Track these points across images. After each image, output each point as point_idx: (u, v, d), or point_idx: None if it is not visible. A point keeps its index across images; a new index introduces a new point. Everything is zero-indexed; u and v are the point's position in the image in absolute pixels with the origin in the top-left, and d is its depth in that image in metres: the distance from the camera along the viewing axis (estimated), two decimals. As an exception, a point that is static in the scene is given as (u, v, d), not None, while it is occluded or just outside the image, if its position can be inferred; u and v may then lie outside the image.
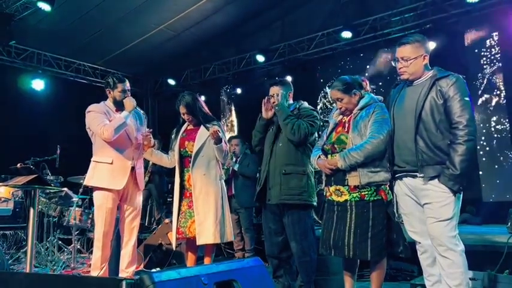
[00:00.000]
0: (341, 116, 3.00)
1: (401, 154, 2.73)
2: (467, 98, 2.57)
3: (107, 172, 3.42)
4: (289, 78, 8.51)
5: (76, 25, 7.73)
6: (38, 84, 8.48)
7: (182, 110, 3.54)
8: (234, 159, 5.47)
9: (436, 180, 2.56)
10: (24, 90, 8.43)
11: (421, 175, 2.60)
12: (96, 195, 3.47)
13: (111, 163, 3.43)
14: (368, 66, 8.43)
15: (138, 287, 1.47)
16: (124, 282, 1.44)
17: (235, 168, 5.39)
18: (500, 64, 7.10)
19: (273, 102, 3.43)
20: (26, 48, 8.34)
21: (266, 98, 3.49)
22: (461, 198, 2.60)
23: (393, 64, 2.80)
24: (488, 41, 7.22)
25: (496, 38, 7.15)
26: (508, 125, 7.07)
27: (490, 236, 4.45)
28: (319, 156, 2.96)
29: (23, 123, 7.95)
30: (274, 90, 3.50)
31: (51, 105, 8.46)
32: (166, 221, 5.19)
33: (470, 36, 7.34)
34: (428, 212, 2.61)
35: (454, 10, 7.02)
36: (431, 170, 2.58)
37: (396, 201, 2.82)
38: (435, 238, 2.58)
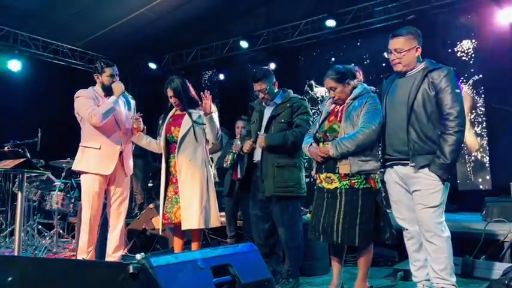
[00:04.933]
0: (334, 105, 3.04)
1: (392, 144, 2.80)
2: (458, 90, 2.66)
3: (95, 157, 3.40)
4: (272, 65, 8.53)
5: (55, 4, 7.49)
6: (15, 65, 8.25)
7: (169, 93, 3.51)
8: (238, 142, 5.31)
9: (426, 168, 2.65)
10: (0, 71, 8.18)
11: (412, 164, 2.68)
12: (83, 178, 3.45)
13: (99, 148, 3.42)
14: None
15: (142, 271, 1.49)
16: (131, 267, 1.46)
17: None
18: (479, 56, 7.28)
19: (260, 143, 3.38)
20: (2, 28, 8.06)
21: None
22: (448, 186, 2.70)
23: (386, 55, 2.85)
24: (469, 33, 7.37)
25: (476, 30, 7.30)
26: (483, 116, 7.28)
27: (467, 223, 4.61)
28: (311, 144, 3.00)
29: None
30: (259, 86, 3.45)
31: (29, 87, 8.24)
32: (151, 206, 5.18)
33: (452, 28, 7.48)
34: (417, 198, 2.70)
35: (437, 2, 7.13)
36: (422, 159, 2.66)
37: (385, 189, 2.90)
38: (423, 224, 2.68)
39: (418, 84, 2.69)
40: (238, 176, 5.05)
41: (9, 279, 1.62)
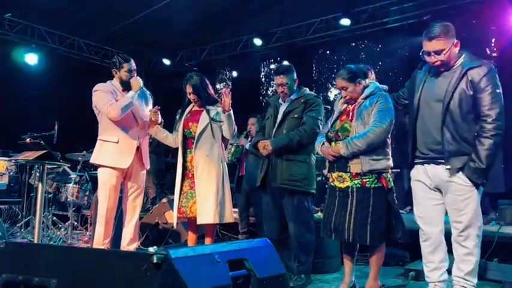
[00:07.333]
0: (345, 105, 3.06)
1: (425, 142, 2.71)
2: (498, 90, 2.53)
3: (113, 151, 3.46)
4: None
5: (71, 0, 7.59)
6: (32, 59, 8.33)
7: (188, 89, 3.57)
8: (249, 138, 5.27)
9: (461, 172, 2.56)
10: (17, 64, 8.30)
11: (448, 166, 2.60)
12: (100, 172, 3.51)
13: (117, 142, 3.47)
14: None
15: (165, 262, 1.54)
16: (155, 257, 1.51)
17: (247, 146, 5.16)
18: (496, 57, 7.20)
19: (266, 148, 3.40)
20: (20, 21, 8.17)
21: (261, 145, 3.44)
22: (482, 190, 2.64)
23: (425, 58, 2.66)
24: (486, 34, 7.30)
25: (494, 31, 7.23)
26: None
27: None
28: (323, 143, 3.03)
29: (16, 97, 7.85)
30: (281, 80, 3.51)
31: (45, 80, 8.34)
32: (164, 200, 5.24)
33: (468, 29, 7.41)
34: (451, 203, 2.64)
35: (454, 2, 7.07)
36: (458, 161, 2.57)
37: (406, 187, 2.87)
38: (458, 227, 2.61)
39: (456, 83, 2.56)
40: (245, 172, 5.16)
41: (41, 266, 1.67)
